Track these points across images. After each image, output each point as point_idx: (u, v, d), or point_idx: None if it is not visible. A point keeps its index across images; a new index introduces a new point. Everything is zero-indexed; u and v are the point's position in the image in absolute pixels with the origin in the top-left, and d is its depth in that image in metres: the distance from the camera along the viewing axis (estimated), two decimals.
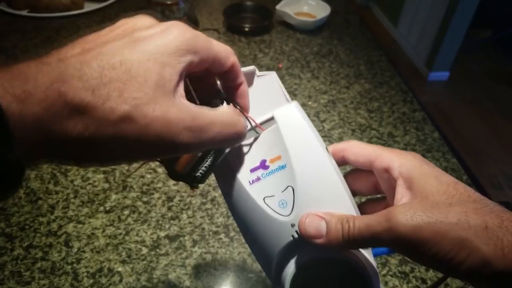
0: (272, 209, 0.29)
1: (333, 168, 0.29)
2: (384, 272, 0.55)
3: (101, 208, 0.61)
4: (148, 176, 0.67)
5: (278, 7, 1.08)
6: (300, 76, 0.93)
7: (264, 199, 0.29)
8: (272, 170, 0.29)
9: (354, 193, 0.33)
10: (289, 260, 0.29)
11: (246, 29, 1.06)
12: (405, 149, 0.76)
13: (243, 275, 0.55)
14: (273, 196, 0.29)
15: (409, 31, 2.76)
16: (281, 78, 0.92)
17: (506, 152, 2.09)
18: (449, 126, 2.23)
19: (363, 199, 0.40)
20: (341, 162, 0.32)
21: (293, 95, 0.87)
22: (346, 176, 0.34)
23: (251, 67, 0.32)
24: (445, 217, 0.23)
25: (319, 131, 0.78)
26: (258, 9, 1.13)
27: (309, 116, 0.88)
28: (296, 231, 0.28)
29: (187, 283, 0.53)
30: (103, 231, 0.58)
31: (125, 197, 0.63)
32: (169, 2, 1.01)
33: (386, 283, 0.54)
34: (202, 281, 0.54)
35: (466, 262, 0.22)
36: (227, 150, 0.29)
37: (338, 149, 0.32)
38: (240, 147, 0.30)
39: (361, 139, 0.77)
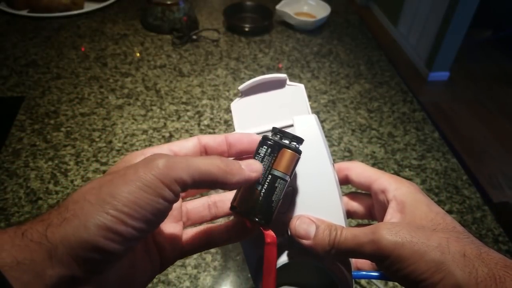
0: None
1: (334, 182, 0.30)
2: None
3: None
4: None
5: (278, 7, 1.08)
6: (300, 76, 0.93)
7: None
8: None
9: (349, 215, 0.35)
10: None
11: (246, 29, 1.06)
12: (405, 149, 0.76)
13: (243, 275, 0.55)
14: None
15: (409, 31, 2.76)
16: None
17: (506, 152, 2.09)
18: (449, 126, 2.23)
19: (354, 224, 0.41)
20: (344, 180, 0.34)
21: None
22: (345, 196, 0.35)
23: (283, 75, 0.34)
24: (427, 240, 0.24)
25: None
26: (258, 9, 1.13)
27: None
28: (287, 230, 0.29)
29: (187, 283, 0.53)
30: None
31: None
32: (169, 2, 1.01)
33: (386, 283, 0.54)
34: (202, 281, 0.54)
35: (439, 285, 0.23)
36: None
37: (343, 167, 0.33)
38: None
39: (361, 139, 0.77)
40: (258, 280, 0.29)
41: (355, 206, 0.35)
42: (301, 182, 0.30)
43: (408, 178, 0.70)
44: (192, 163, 0.23)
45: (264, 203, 0.27)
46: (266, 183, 0.27)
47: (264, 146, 0.27)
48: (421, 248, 0.24)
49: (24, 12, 1.07)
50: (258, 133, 0.31)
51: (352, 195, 0.35)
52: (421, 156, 0.74)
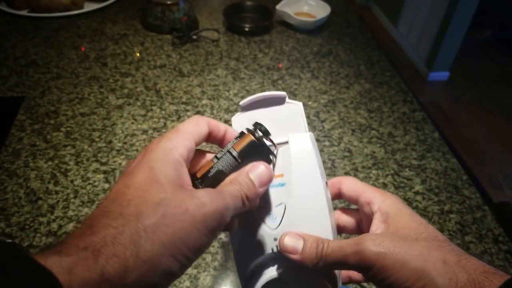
0: (262, 219, 0.31)
1: (325, 199, 0.31)
2: None
3: None
4: None
5: (278, 7, 1.08)
6: (300, 76, 0.93)
7: (258, 208, 0.32)
8: (272, 185, 0.32)
9: (340, 229, 0.36)
10: (263, 271, 0.31)
11: (246, 29, 1.06)
12: (405, 149, 0.76)
13: None
14: (266, 206, 0.32)
15: (409, 31, 2.76)
16: (281, 78, 0.92)
17: (506, 152, 2.09)
18: (449, 126, 2.23)
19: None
20: (337, 194, 0.36)
21: (293, 95, 0.87)
22: (337, 211, 0.37)
23: (283, 93, 0.35)
24: (409, 249, 0.26)
25: (319, 131, 0.78)
26: (258, 9, 1.13)
27: (309, 116, 0.87)
28: (277, 246, 0.30)
29: (187, 283, 0.53)
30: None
31: None
32: (169, 2, 1.01)
33: None
34: (202, 281, 0.54)
35: None
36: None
37: (336, 182, 0.35)
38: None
39: (361, 139, 0.77)
40: None
41: (346, 220, 0.36)
42: (292, 199, 0.31)
43: (408, 178, 0.70)
44: (229, 205, 0.26)
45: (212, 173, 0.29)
46: (220, 158, 0.29)
47: (239, 133, 0.30)
48: (403, 257, 0.25)
49: (24, 12, 1.07)
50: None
51: (343, 210, 0.37)
52: (421, 156, 0.74)
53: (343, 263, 0.28)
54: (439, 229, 0.62)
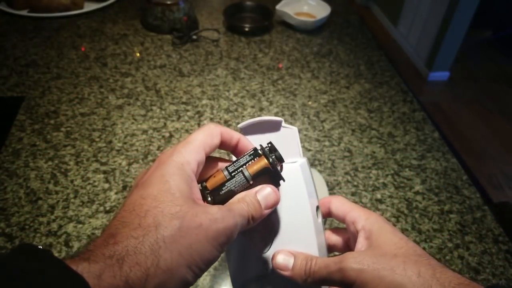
0: (253, 243, 0.34)
1: (313, 228, 0.33)
2: None
3: (101, 208, 0.61)
4: None
5: (278, 7, 1.08)
6: (300, 76, 0.93)
7: (249, 232, 0.33)
8: None
9: (331, 248, 0.38)
10: None
11: (246, 29, 1.06)
12: (405, 149, 0.76)
13: None
14: (257, 231, 0.34)
15: (409, 31, 2.76)
16: (281, 78, 0.92)
17: (506, 152, 2.09)
18: (449, 126, 2.23)
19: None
20: (328, 213, 0.37)
21: (293, 95, 0.87)
22: (327, 230, 0.39)
23: (279, 118, 0.37)
24: (387, 265, 0.28)
25: (319, 131, 0.78)
26: (258, 9, 1.13)
27: (309, 116, 0.87)
28: (267, 268, 0.33)
29: None
30: (103, 231, 0.58)
31: (125, 197, 0.63)
32: (169, 2, 1.01)
33: None
34: (202, 281, 0.54)
35: None
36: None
37: (326, 201, 0.37)
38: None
39: (361, 139, 0.77)
40: None
41: (335, 239, 0.38)
42: (282, 225, 0.33)
43: (408, 178, 0.70)
44: (238, 223, 0.27)
45: (223, 190, 0.30)
46: (234, 176, 0.30)
47: (252, 150, 0.31)
48: (380, 272, 0.27)
49: (24, 12, 1.07)
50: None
51: (333, 230, 0.39)
52: (421, 156, 0.74)
53: (329, 280, 0.30)
54: (439, 229, 0.62)
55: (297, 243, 0.33)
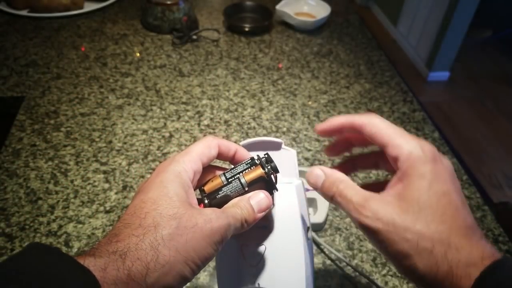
0: (244, 256, 0.35)
1: (303, 251, 0.34)
2: (384, 272, 0.55)
3: (101, 208, 0.61)
4: (148, 176, 0.67)
5: (278, 7, 1.09)
6: (300, 76, 0.93)
7: (241, 246, 0.35)
8: (256, 226, 0.33)
9: (356, 168, 0.39)
10: None
11: (246, 29, 1.06)
12: None
13: None
14: (249, 245, 0.35)
15: (409, 31, 2.76)
16: (281, 78, 0.92)
17: (506, 152, 2.09)
18: (449, 126, 2.23)
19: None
20: (359, 140, 0.37)
21: (293, 95, 0.87)
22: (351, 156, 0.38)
23: (279, 140, 0.39)
24: (404, 230, 0.27)
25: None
26: (258, 9, 1.13)
27: (309, 116, 0.87)
28: (254, 282, 0.33)
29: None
30: (103, 231, 0.58)
31: (125, 197, 0.63)
32: (169, 2, 1.01)
33: (386, 283, 0.54)
34: (202, 281, 0.54)
35: (407, 271, 0.27)
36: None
37: (357, 124, 0.32)
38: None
39: None
40: None
41: (363, 161, 0.39)
42: (273, 243, 0.35)
43: None
44: (231, 224, 0.29)
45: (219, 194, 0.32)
46: (230, 182, 0.32)
47: (249, 159, 0.33)
48: (394, 237, 0.27)
49: (24, 12, 1.07)
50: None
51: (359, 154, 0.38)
52: None
53: (347, 209, 0.30)
54: None
55: (286, 261, 0.34)
